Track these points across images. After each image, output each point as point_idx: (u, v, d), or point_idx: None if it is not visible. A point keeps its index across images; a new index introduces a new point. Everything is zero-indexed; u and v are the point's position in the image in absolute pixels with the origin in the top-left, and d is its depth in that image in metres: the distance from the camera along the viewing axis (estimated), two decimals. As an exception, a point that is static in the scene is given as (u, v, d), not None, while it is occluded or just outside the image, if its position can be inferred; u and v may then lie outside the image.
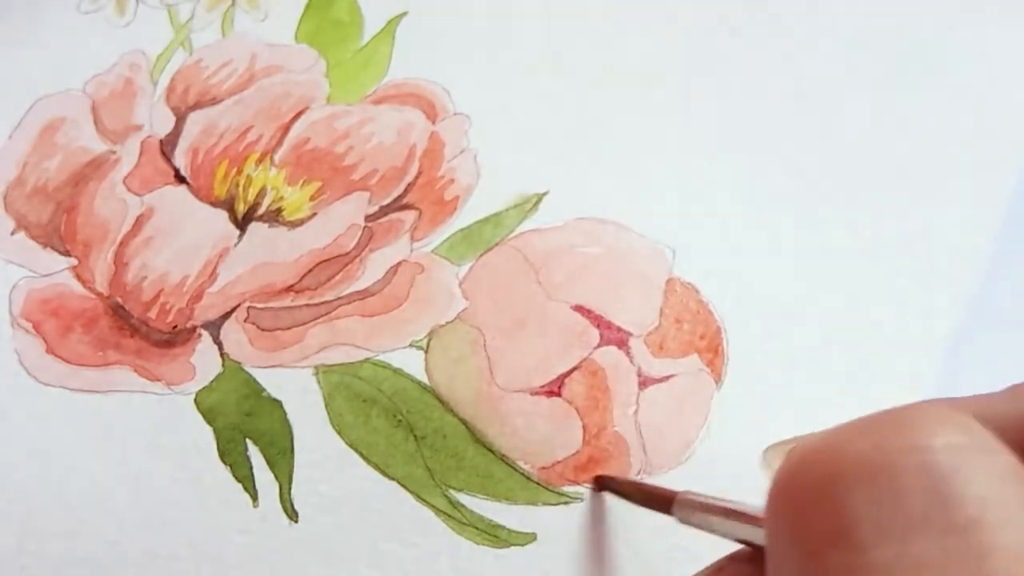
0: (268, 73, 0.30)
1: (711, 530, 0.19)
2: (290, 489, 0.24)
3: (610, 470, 0.24)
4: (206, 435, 0.25)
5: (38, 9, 0.32)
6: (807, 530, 0.13)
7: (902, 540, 0.12)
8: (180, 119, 0.29)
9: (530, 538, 0.23)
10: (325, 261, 0.27)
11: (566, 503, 0.23)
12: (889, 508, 0.12)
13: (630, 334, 0.25)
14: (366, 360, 0.25)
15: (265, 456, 0.24)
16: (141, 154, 0.29)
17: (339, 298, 0.26)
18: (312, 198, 0.28)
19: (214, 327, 0.26)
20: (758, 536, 0.17)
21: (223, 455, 0.24)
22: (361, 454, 0.24)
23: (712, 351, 0.25)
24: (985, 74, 0.29)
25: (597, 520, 0.23)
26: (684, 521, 0.20)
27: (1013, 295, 0.27)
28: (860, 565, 0.12)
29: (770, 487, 0.14)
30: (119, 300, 0.27)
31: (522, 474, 0.24)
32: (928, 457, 0.12)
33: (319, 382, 0.25)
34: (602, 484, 0.24)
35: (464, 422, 0.24)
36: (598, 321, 0.25)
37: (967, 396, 0.16)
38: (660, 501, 0.21)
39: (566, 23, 0.30)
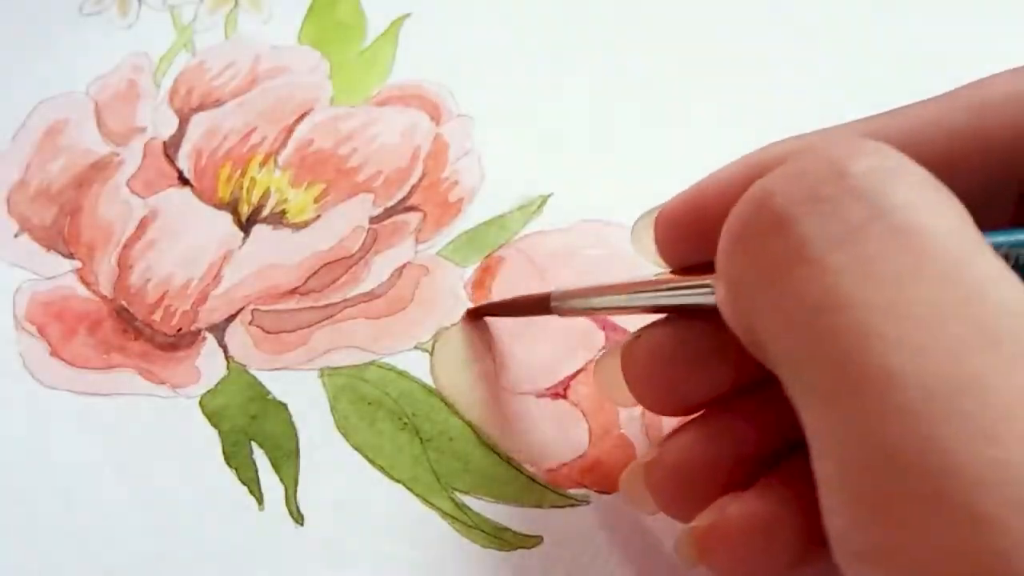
0: (271, 75, 0.30)
1: (592, 310, 0.21)
2: (296, 492, 0.24)
3: (616, 472, 0.23)
4: (211, 438, 0.25)
5: (40, 11, 0.32)
6: (769, 264, 0.14)
7: (851, 244, 0.13)
8: (183, 121, 0.29)
9: (536, 541, 0.23)
10: (330, 263, 0.27)
11: (572, 505, 0.23)
12: (834, 225, 0.14)
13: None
14: (371, 362, 0.25)
15: (270, 459, 0.24)
16: (144, 156, 0.29)
17: (344, 300, 0.26)
18: (316, 200, 0.28)
19: (219, 330, 0.26)
20: (635, 300, 0.20)
21: (228, 458, 0.24)
22: (367, 456, 0.24)
23: (718, 353, 0.25)
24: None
25: (604, 522, 0.23)
26: (565, 313, 0.22)
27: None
28: (818, 272, 0.14)
29: (723, 239, 0.16)
30: (123, 303, 0.27)
31: (528, 476, 0.24)
32: (856, 182, 0.14)
33: (324, 385, 0.25)
34: (475, 315, 0.25)
35: (470, 424, 0.24)
36: (603, 323, 0.25)
37: (855, 122, 0.18)
38: (538, 304, 0.22)
39: (571, 24, 0.30)
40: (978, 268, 0.13)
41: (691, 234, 0.19)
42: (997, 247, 0.15)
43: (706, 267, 0.17)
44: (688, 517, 0.19)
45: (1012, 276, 0.13)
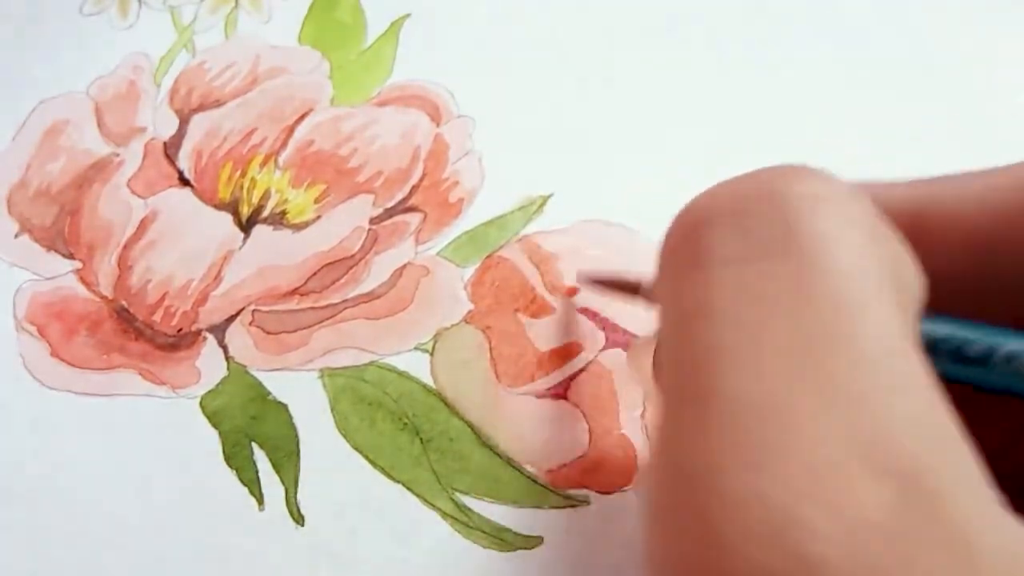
0: (272, 75, 0.30)
1: None
2: (296, 492, 0.24)
3: (617, 472, 0.24)
4: (211, 438, 0.25)
5: (40, 11, 0.32)
6: (675, 262, 0.15)
7: (746, 262, 0.13)
8: (184, 121, 0.29)
9: (537, 541, 0.23)
10: (330, 264, 0.27)
11: (573, 506, 0.23)
12: (739, 239, 0.13)
13: (636, 336, 0.25)
14: (371, 363, 0.25)
15: (271, 459, 0.24)
16: (145, 156, 0.29)
17: (344, 301, 0.26)
18: (316, 201, 0.28)
19: (219, 330, 0.26)
20: None
21: (229, 458, 0.24)
22: (367, 457, 0.24)
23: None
24: (988, 76, 0.29)
25: (604, 523, 0.23)
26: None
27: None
28: (703, 280, 0.13)
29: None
30: (124, 303, 0.27)
31: (528, 477, 0.24)
32: (781, 201, 0.14)
33: (324, 385, 0.25)
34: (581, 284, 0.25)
35: (470, 425, 0.24)
36: (604, 323, 0.25)
37: (898, 184, 0.17)
38: (630, 288, 0.23)
39: (571, 24, 0.30)
40: (869, 320, 0.12)
41: None
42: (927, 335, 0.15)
43: None
44: None
45: (895, 334, 0.12)
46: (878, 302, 0.13)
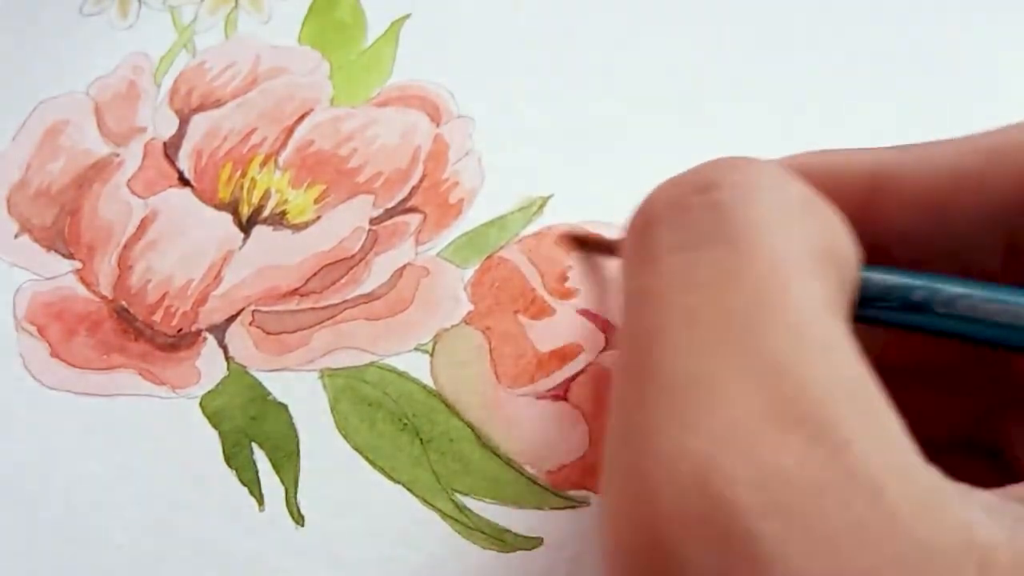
0: (272, 75, 0.30)
1: None
2: (296, 493, 0.24)
3: (616, 474, 0.24)
4: (211, 439, 0.25)
5: (40, 11, 0.32)
6: (629, 256, 0.16)
7: (686, 252, 0.15)
8: (184, 121, 0.29)
9: (536, 542, 0.23)
10: (330, 264, 0.27)
11: (573, 507, 0.23)
12: (680, 231, 0.15)
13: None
14: (371, 364, 0.25)
15: (271, 460, 0.24)
16: (145, 156, 0.29)
17: (344, 301, 0.26)
18: (316, 201, 0.28)
19: (219, 330, 0.26)
20: None
21: (228, 459, 0.24)
22: (367, 458, 0.24)
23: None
24: (992, 73, 0.29)
25: (604, 524, 0.23)
26: None
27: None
28: (651, 270, 0.15)
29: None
30: (124, 303, 0.27)
31: (528, 478, 0.24)
32: (716, 195, 0.15)
33: (324, 386, 0.25)
34: (576, 242, 0.26)
35: (470, 426, 0.24)
36: (604, 325, 0.25)
37: (866, 150, 0.18)
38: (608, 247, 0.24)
39: (571, 24, 0.30)
40: (791, 294, 0.14)
41: None
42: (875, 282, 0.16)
43: None
44: None
45: (816, 305, 0.14)
46: (801, 277, 0.14)
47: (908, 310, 0.16)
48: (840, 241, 0.15)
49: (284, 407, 0.25)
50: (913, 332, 0.16)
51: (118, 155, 0.29)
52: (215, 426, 0.25)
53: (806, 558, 0.11)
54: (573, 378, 0.25)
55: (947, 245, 0.17)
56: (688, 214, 0.15)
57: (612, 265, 0.26)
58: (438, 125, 0.29)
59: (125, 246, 0.27)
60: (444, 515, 0.23)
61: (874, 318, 0.16)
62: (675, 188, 0.16)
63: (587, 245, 0.26)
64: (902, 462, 0.12)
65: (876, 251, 0.17)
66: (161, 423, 0.25)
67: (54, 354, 0.26)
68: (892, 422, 0.13)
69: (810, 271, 0.14)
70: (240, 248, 0.27)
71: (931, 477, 0.12)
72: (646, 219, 0.16)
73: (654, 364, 0.14)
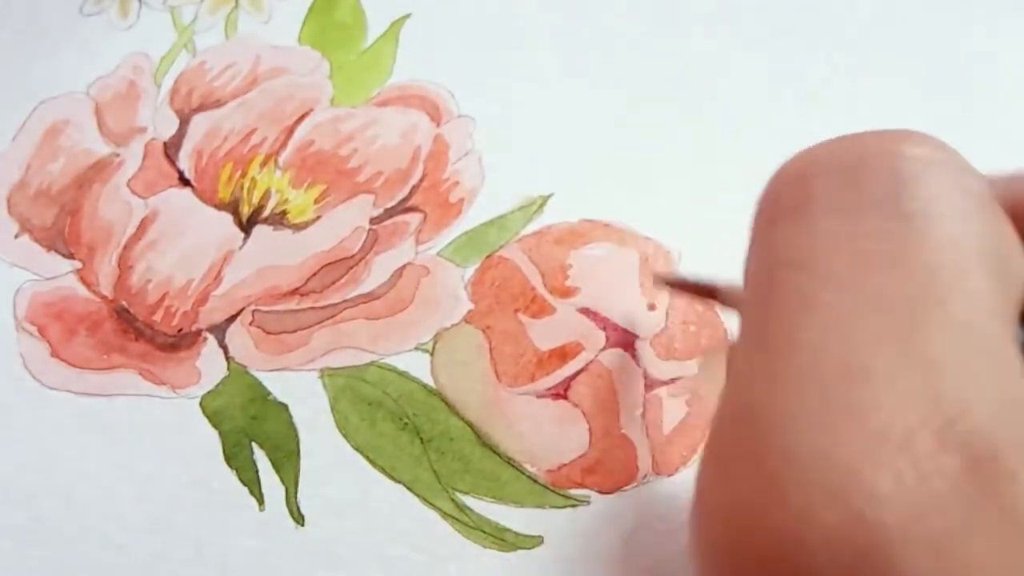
0: (272, 75, 0.30)
1: None
2: (296, 492, 0.24)
3: (617, 472, 0.24)
4: (212, 439, 0.25)
5: (40, 11, 0.32)
6: (773, 207, 0.14)
7: (851, 217, 0.13)
8: (184, 121, 0.29)
9: (537, 541, 0.23)
10: (330, 264, 0.27)
11: (573, 506, 0.23)
12: (847, 192, 0.13)
13: (636, 336, 0.25)
14: (372, 363, 0.25)
15: (271, 459, 0.24)
16: (145, 156, 0.29)
17: (344, 301, 0.26)
18: (317, 201, 0.28)
19: (219, 330, 0.26)
20: None
21: (229, 459, 0.24)
22: (367, 457, 0.24)
23: (718, 353, 0.25)
24: (992, 76, 0.29)
25: (604, 523, 0.23)
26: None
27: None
28: (805, 231, 0.13)
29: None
30: (124, 303, 0.27)
31: (529, 477, 0.24)
32: (895, 161, 0.13)
33: (325, 385, 0.25)
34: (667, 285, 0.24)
35: (470, 425, 0.24)
36: (604, 323, 0.25)
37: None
38: (707, 291, 0.23)
39: (570, 24, 0.30)
40: (964, 290, 0.12)
41: None
42: None
43: None
44: None
45: (987, 306, 0.12)
46: (976, 271, 0.12)
47: None
48: (1014, 251, 0.14)
49: (284, 407, 0.25)
50: None
51: (118, 155, 0.29)
52: (215, 426, 0.25)
53: None
54: (573, 377, 0.25)
55: None
56: (862, 175, 0.13)
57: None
58: (438, 125, 0.29)
59: (125, 246, 0.27)
60: (444, 514, 0.23)
61: None
62: (848, 146, 0.14)
63: (683, 289, 0.24)
64: None
65: None
66: (161, 423, 0.25)
67: (54, 354, 0.26)
68: None
69: (988, 272, 0.12)
70: (240, 248, 0.27)
71: None
72: (805, 170, 0.14)
73: (796, 338, 0.12)
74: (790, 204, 0.14)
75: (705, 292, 0.23)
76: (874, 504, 0.11)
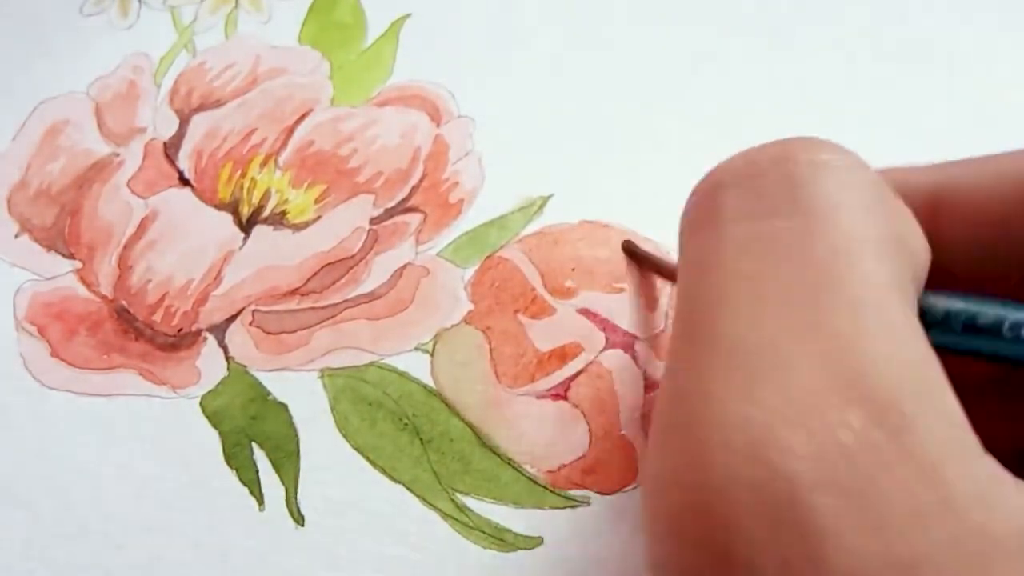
0: (272, 75, 0.30)
1: None
2: (296, 493, 0.24)
3: (617, 473, 0.24)
4: (211, 439, 0.25)
5: (40, 11, 0.32)
6: (693, 220, 0.16)
7: (754, 221, 0.15)
8: (184, 121, 0.29)
9: (537, 542, 0.23)
10: (330, 264, 0.27)
11: (573, 507, 0.23)
12: (750, 199, 0.15)
13: (636, 337, 0.25)
14: (372, 363, 0.25)
15: (271, 460, 0.24)
16: (145, 156, 0.29)
17: (344, 301, 0.26)
18: (317, 201, 0.28)
19: (219, 330, 0.26)
20: None
21: (229, 459, 0.24)
22: (367, 458, 0.24)
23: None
24: (988, 76, 0.29)
25: (604, 524, 0.23)
26: None
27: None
28: (718, 236, 0.15)
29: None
30: (124, 303, 0.27)
31: (528, 478, 0.24)
32: (792, 167, 0.15)
33: (325, 385, 0.25)
34: (629, 251, 0.26)
35: (470, 425, 0.24)
36: (604, 324, 0.25)
37: (929, 167, 0.18)
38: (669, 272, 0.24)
39: (571, 25, 0.30)
40: (860, 271, 0.13)
41: None
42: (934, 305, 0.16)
43: None
44: None
45: (884, 282, 0.13)
46: (871, 256, 0.14)
47: (973, 333, 0.15)
48: (911, 234, 0.15)
49: (284, 407, 0.25)
50: (975, 358, 0.16)
51: (118, 155, 0.29)
52: (215, 426, 0.25)
53: (860, 535, 0.11)
54: (573, 377, 0.25)
55: (1006, 264, 0.17)
56: (761, 183, 0.15)
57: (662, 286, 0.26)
58: (438, 125, 0.29)
59: (125, 246, 0.27)
60: (444, 515, 0.23)
61: (937, 344, 0.16)
62: (749, 158, 0.16)
63: (644, 261, 0.25)
64: (961, 447, 0.12)
65: (938, 271, 0.16)
66: (161, 423, 0.25)
67: (54, 354, 0.26)
68: (953, 406, 0.13)
69: (881, 253, 0.14)
70: (240, 248, 0.27)
71: (989, 464, 0.12)
72: (715, 184, 0.16)
73: (715, 330, 0.14)
74: (703, 216, 0.16)
75: (664, 273, 0.24)
76: (788, 458, 0.12)
